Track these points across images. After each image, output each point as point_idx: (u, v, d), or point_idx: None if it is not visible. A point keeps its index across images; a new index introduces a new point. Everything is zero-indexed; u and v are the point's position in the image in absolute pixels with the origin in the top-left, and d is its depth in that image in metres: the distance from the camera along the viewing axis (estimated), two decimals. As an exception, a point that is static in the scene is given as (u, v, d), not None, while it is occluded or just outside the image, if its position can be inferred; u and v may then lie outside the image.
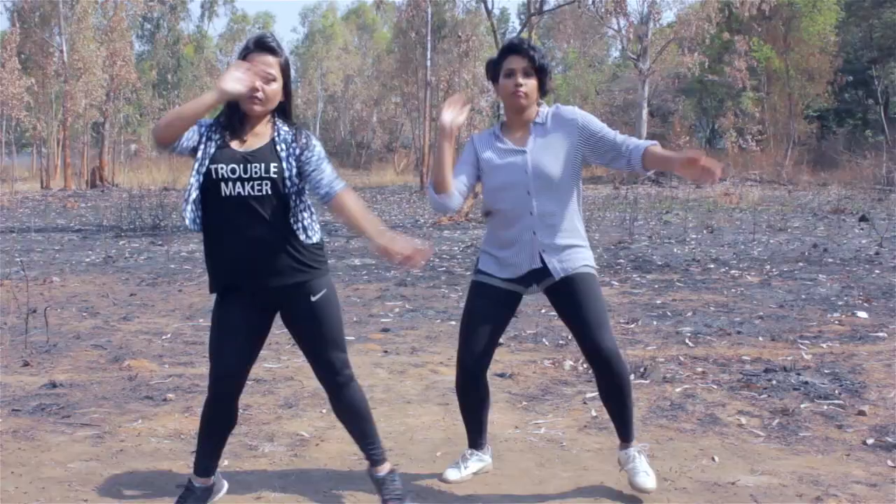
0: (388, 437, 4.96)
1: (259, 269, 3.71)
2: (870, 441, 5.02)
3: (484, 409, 4.51)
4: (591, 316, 4.13)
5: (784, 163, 38.88)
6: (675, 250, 14.70)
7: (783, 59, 41.88)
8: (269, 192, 3.64)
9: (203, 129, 3.75)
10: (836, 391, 6.00)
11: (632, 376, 6.34)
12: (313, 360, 3.90)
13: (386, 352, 7.34)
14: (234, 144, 3.71)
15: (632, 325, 8.32)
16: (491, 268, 4.32)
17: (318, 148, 3.77)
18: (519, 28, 30.70)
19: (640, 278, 11.44)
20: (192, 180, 3.65)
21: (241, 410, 5.54)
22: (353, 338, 7.76)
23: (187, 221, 3.68)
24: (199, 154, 3.67)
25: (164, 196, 24.77)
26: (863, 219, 19.76)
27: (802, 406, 5.69)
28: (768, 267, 12.44)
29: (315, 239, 3.78)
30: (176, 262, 13.04)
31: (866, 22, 46.41)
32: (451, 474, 4.46)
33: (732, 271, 12.01)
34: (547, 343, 7.60)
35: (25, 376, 6.45)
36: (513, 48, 4.22)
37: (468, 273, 11.93)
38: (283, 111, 3.81)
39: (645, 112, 41.43)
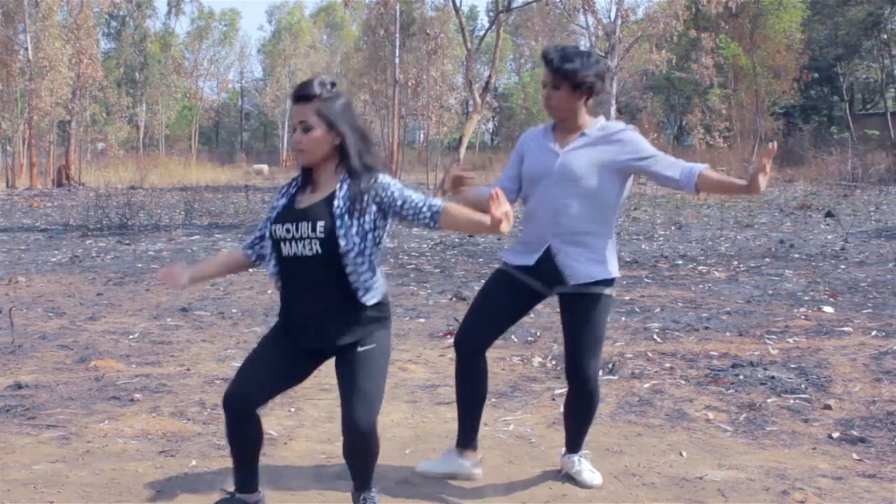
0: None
1: (311, 330, 3.61)
2: (835, 435, 5.07)
3: (480, 403, 4.42)
4: (584, 340, 4.18)
5: (751, 159, 39.07)
6: (643, 247, 14.76)
7: (750, 56, 42.14)
8: (320, 252, 3.48)
9: (283, 189, 3.70)
10: (803, 385, 6.05)
11: (600, 372, 6.38)
12: (343, 404, 3.67)
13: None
14: (299, 200, 3.61)
15: (600, 322, 8.34)
16: (509, 256, 4.33)
17: (390, 183, 3.53)
18: (488, 25, 30.74)
19: (609, 275, 11.45)
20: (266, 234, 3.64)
21: (209, 410, 5.54)
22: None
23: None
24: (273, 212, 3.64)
25: (131, 195, 24.63)
26: (829, 214, 19.93)
27: (769, 401, 5.73)
28: (735, 263, 12.52)
29: (376, 300, 3.61)
30: (143, 261, 12.96)
31: (831, 20, 46.81)
32: (424, 468, 4.49)
33: (700, 267, 12.08)
34: (516, 340, 7.61)
35: (-10, 377, 6.39)
36: (543, 58, 4.17)
37: (437, 270, 11.93)
38: (349, 155, 3.55)
39: (613, 109, 41.45)
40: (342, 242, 3.47)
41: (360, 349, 3.60)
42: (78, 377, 6.38)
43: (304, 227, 3.48)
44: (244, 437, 3.73)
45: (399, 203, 3.51)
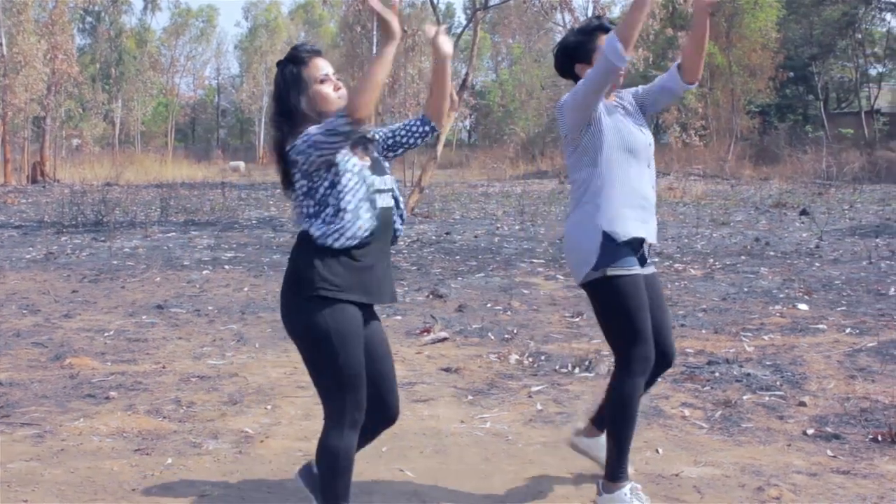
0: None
1: (388, 284, 3.61)
2: (810, 431, 5.10)
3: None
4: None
5: (727, 157, 39.28)
6: (619, 244, 14.76)
7: (726, 55, 42.27)
8: (391, 205, 3.55)
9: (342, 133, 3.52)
10: (778, 383, 6.08)
11: (576, 369, 6.41)
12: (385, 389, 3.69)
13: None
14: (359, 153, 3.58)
15: (577, 319, 8.36)
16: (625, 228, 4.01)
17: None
18: (465, 23, 30.73)
19: (586, 272, 11.47)
20: None
21: (184, 408, 5.52)
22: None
23: None
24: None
25: (107, 191, 24.50)
26: (803, 213, 20.03)
27: (745, 398, 5.76)
28: (711, 260, 12.57)
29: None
30: (119, 258, 12.89)
31: (807, 19, 47.01)
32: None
33: (676, 265, 12.13)
34: (492, 337, 7.62)
35: (-36, 375, 6.34)
36: (603, 27, 4.03)
37: (414, 268, 11.93)
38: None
39: (590, 107, 41.59)
40: (397, 194, 3.58)
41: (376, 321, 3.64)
42: (53, 375, 6.34)
43: (388, 180, 3.54)
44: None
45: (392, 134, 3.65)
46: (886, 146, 38.31)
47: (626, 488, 3.93)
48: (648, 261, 4.10)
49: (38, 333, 7.72)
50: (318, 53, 3.56)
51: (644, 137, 4.04)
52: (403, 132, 3.65)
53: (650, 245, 4.08)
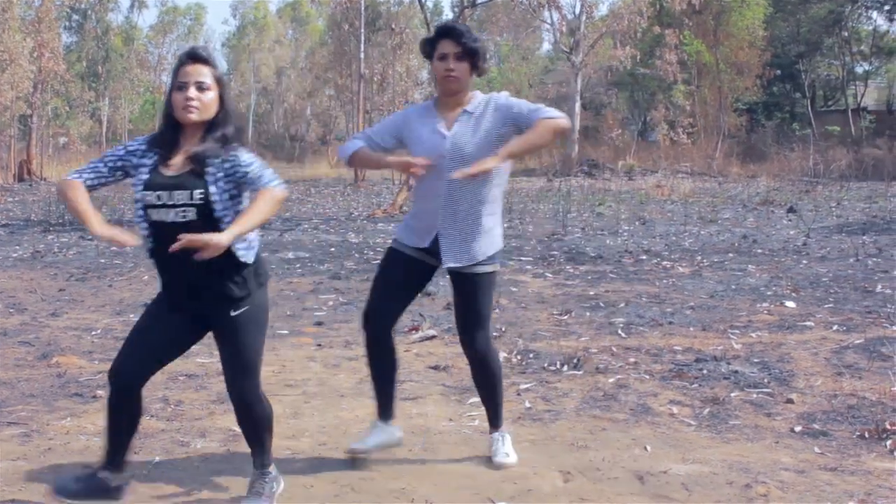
0: (321, 430, 4.95)
1: (192, 293, 3.71)
2: (798, 429, 5.11)
3: (392, 376, 4.65)
4: (468, 316, 4.45)
5: (714, 155, 39.39)
6: (607, 242, 14.82)
7: (713, 52, 42.38)
8: (195, 219, 3.59)
9: (134, 148, 3.76)
10: (765, 380, 6.10)
11: (565, 367, 6.41)
12: (225, 375, 3.88)
13: (320, 345, 7.30)
14: (167, 166, 3.67)
15: (565, 317, 8.37)
16: (402, 235, 4.52)
17: (248, 161, 3.65)
18: (452, 20, 30.78)
19: (574, 270, 11.51)
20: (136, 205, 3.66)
21: (172, 406, 5.50)
22: (286, 332, 7.71)
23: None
24: (134, 179, 3.69)
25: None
26: (791, 210, 20.09)
27: (732, 395, 5.77)
28: (699, 258, 12.59)
29: (249, 259, 3.73)
30: (106, 256, 12.85)
31: (794, 17, 47.15)
32: (357, 445, 4.57)
33: (664, 262, 12.14)
34: (481, 335, 7.60)
35: (-50, 374, 6.31)
36: (446, 32, 4.30)
37: (403, 266, 11.90)
38: (218, 124, 3.71)
39: (578, 105, 41.71)
40: (217, 207, 3.59)
41: (234, 313, 3.72)
42: (40, 374, 6.32)
43: (180, 196, 3.59)
44: (127, 411, 3.89)
45: (251, 181, 3.62)
46: (873, 144, 38.43)
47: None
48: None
49: (24, 332, 7.69)
50: (195, 59, 3.67)
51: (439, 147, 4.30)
52: (243, 181, 3.65)
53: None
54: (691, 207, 21.46)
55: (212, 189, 3.59)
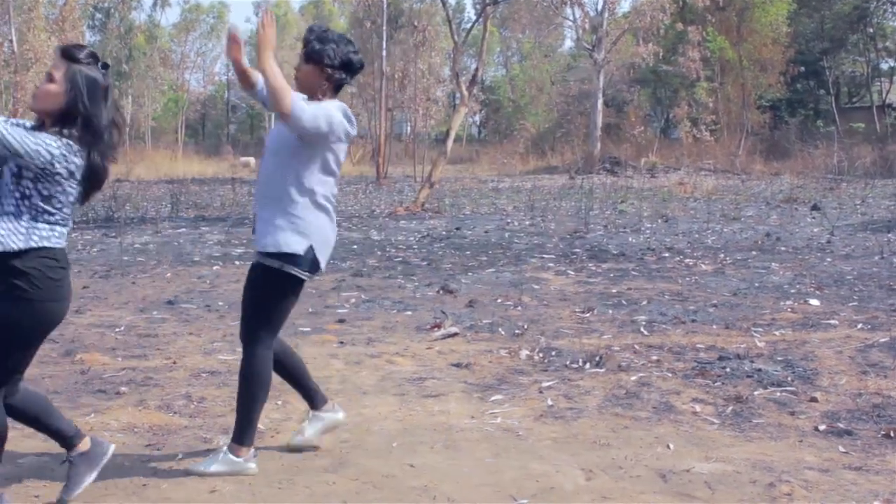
0: (343, 427, 4.95)
1: None
2: (822, 427, 5.08)
3: (301, 375, 4.73)
4: (244, 305, 4.40)
5: (738, 152, 39.20)
6: (630, 240, 14.78)
7: (736, 49, 42.18)
8: None
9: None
10: (789, 378, 6.07)
11: (587, 365, 6.39)
12: None
13: (342, 343, 7.31)
14: None
15: (587, 314, 8.35)
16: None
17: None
18: (475, 18, 30.70)
19: (596, 267, 11.48)
20: None
21: (195, 403, 5.53)
22: (308, 329, 7.72)
23: None
24: None
25: (118, 187, 24.53)
26: (815, 208, 19.98)
27: (756, 393, 5.74)
28: (722, 256, 12.54)
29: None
30: (129, 253, 12.91)
31: (818, 13, 46.88)
32: (296, 439, 4.70)
33: (687, 260, 12.10)
34: (503, 332, 7.61)
35: (-25, 371, 6.34)
36: (305, 35, 4.49)
37: (424, 263, 11.93)
38: (66, 122, 3.67)
39: (600, 102, 41.65)
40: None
41: None
42: (63, 370, 6.36)
43: None
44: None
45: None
46: (898, 141, 38.16)
47: (250, 453, 4.41)
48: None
49: (49, 329, 7.73)
50: (58, 50, 3.75)
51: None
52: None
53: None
54: (714, 205, 21.37)
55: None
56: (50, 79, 3.67)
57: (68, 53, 3.69)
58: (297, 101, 4.16)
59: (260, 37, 4.21)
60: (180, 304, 8.91)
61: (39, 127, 3.68)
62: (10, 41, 37.52)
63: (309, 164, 4.34)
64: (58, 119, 3.67)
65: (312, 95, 4.38)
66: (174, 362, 6.58)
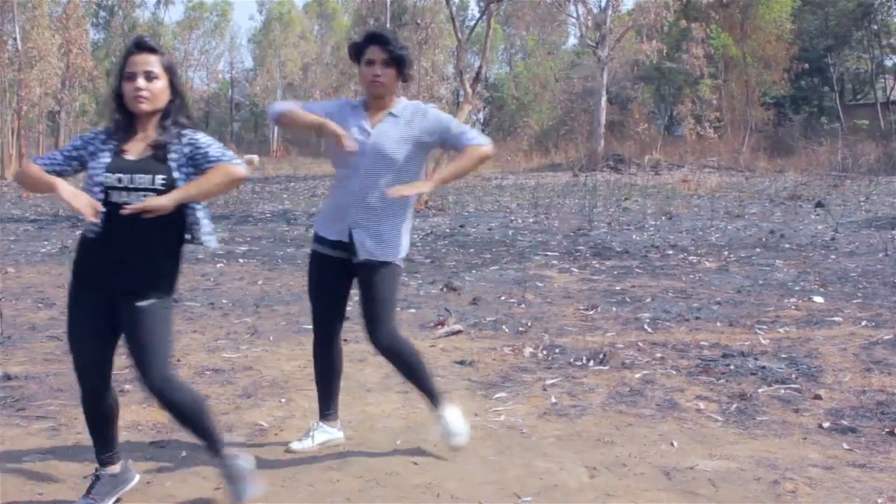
0: (347, 425, 4.95)
1: (117, 271, 3.77)
2: (826, 424, 5.08)
3: (334, 378, 4.79)
4: (375, 308, 4.46)
5: (741, 150, 39.14)
6: (633, 237, 14.77)
7: (740, 46, 42.10)
8: None
9: (95, 136, 3.79)
10: (793, 375, 6.06)
11: (591, 363, 6.39)
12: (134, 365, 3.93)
13: (346, 340, 7.28)
14: (126, 150, 3.72)
15: (591, 312, 8.35)
16: (321, 229, 4.59)
17: (207, 142, 3.76)
18: (478, 15, 30.68)
19: (600, 265, 11.48)
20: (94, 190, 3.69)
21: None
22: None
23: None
24: (93, 163, 3.72)
25: (121, 185, 24.48)
26: (819, 205, 19.96)
27: (760, 390, 5.74)
28: (726, 253, 12.53)
29: (212, 244, 3.94)
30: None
31: (822, 10, 46.80)
32: (296, 445, 4.67)
33: (691, 257, 12.09)
34: (507, 330, 7.61)
35: (-21, 368, 6.36)
36: (374, 39, 4.45)
37: (427, 261, 11.93)
38: (172, 112, 3.78)
39: (604, 99, 41.58)
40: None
41: (140, 304, 3.78)
42: (68, 368, 6.32)
43: (141, 179, 3.64)
44: (99, 408, 4.03)
45: (212, 156, 3.72)
46: (902, 138, 38.11)
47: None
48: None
49: (53, 326, 7.74)
50: (142, 48, 3.72)
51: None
52: (203, 163, 3.74)
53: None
54: (718, 202, 21.36)
55: (175, 175, 3.67)
56: (148, 77, 3.68)
57: (149, 46, 3.72)
58: (481, 135, 4.56)
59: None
60: (184, 301, 8.91)
61: (124, 129, 3.74)
62: (15, 39, 37.57)
63: (419, 172, 4.56)
64: (162, 112, 3.76)
65: (389, 94, 4.49)
66: (178, 360, 6.57)
